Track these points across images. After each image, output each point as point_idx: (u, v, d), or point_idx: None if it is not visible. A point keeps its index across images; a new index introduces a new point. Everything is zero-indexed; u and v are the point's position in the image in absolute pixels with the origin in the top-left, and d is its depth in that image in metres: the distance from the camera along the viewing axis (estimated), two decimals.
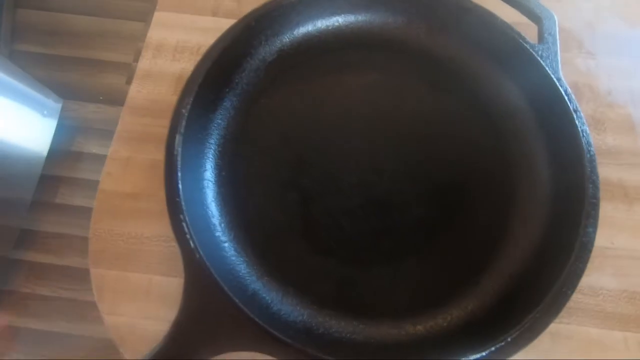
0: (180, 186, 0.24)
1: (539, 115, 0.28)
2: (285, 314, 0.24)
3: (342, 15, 0.31)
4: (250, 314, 0.21)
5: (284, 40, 0.31)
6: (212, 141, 0.28)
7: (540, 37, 0.29)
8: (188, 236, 0.22)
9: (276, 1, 0.29)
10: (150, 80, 0.32)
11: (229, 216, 0.27)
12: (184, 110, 0.25)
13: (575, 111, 0.26)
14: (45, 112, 0.87)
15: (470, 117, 0.30)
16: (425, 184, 0.28)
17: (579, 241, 0.22)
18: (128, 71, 1.02)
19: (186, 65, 0.32)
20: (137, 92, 0.31)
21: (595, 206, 0.24)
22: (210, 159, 0.28)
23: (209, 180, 0.27)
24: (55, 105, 0.90)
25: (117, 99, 0.98)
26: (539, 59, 0.27)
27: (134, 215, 0.27)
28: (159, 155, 0.29)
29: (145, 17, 1.10)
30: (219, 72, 0.28)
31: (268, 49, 0.31)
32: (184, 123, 0.25)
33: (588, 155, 0.25)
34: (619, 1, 0.36)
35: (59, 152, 0.91)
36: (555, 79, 0.26)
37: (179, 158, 0.24)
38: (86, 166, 0.92)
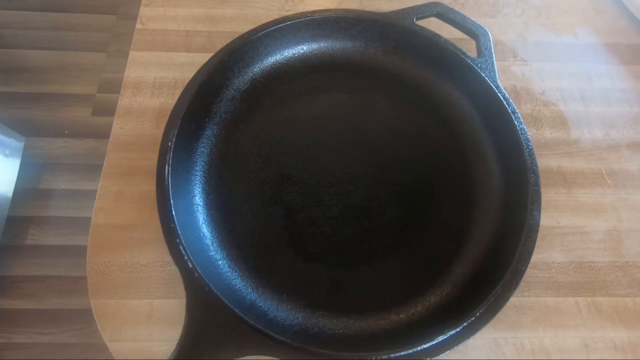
0: (173, 213, 0.25)
1: (485, 118, 0.32)
2: (282, 319, 0.26)
3: (306, 44, 0.35)
4: (250, 322, 0.23)
5: (256, 70, 0.34)
6: (197, 168, 0.30)
7: (479, 52, 0.33)
8: (186, 258, 0.24)
9: (244, 37, 0.32)
10: (131, 117, 0.33)
11: (220, 236, 0.29)
12: (170, 143, 0.27)
13: (513, 112, 0.30)
14: (7, 152, 0.85)
15: (430, 124, 0.34)
16: (396, 187, 0.31)
17: (527, 224, 0.26)
18: (92, 103, 1.01)
19: (165, 100, 0.34)
20: (120, 129, 0.33)
21: (537, 192, 0.28)
22: (198, 185, 0.30)
23: (198, 204, 0.29)
24: (17, 144, 0.88)
25: (83, 132, 0.96)
26: (479, 70, 0.31)
27: (128, 245, 0.29)
28: (148, 186, 0.31)
29: (105, 48, 1.10)
30: (199, 104, 0.30)
31: (242, 79, 0.33)
32: (171, 154, 0.27)
33: (527, 150, 0.29)
34: (544, 13, 0.42)
35: (26, 192, 0.88)
36: (494, 87, 0.31)
37: (169, 188, 0.26)
38: (56, 203, 0.89)
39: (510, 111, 0.30)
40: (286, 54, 0.34)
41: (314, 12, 0.34)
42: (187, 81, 0.35)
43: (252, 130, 0.32)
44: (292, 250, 0.29)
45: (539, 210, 0.27)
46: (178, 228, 0.25)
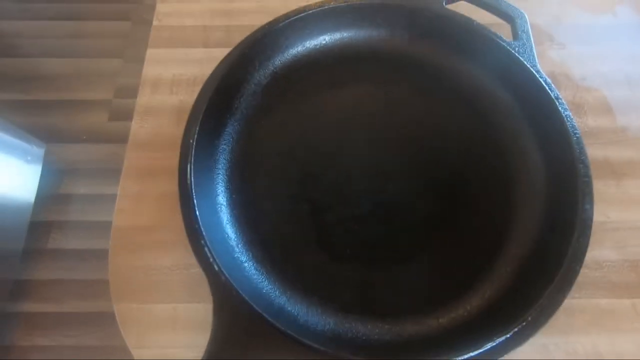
0: (197, 214, 0.24)
1: (524, 107, 0.30)
2: (312, 324, 0.25)
3: (329, 34, 0.33)
4: (281, 327, 0.22)
5: (277, 62, 0.32)
6: (220, 166, 0.29)
7: (515, 35, 0.31)
8: (211, 260, 0.23)
9: (265, 28, 0.31)
10: (150, 115, 0.32)
11: (245, 236, 0.27)
12: (191, 141, 0.26)
13: (557, 99, 0.28)
14: (29, 159, 0.86)
15: (461, 115, 0.32)
16: (428, 183, 0.29)
17: (579, 218, 0.24)
18: (109, 108, 1.02)
19: (184, 97, 0.33)
20: (139, 127, 0.32)
21: (588, 184, 0.25)
22: (221, 184, 0.29)
23: (221, 204, 0.28)
24: (38, 150, 0.90)
25: (100, 137, 0.97)
26: (517, 55, 0.29)
27: (150, 247, 0.28)
28: (168, 186, 0.30)
29: (120, 54, 1.11)
30: (220, 100, 0.29)
31: (262, 73, 0.32)
32: (193, 153, 0.26)
33: (575, 138, 0.27)
34: None
35: (47, 197, 0.90)
36: (535, 72, 0.28)
37: (192, 187, 0.25)
38: (76, 207, 0.90)
39: (554, 97, 0.27)
40: (308, 45, 0.33)
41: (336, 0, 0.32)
42: (206, 77, 0.34)
43: (274, 125, 0.31)
44: (320, 251, 0.27)
45: (591, 203, 0.25)
46: (203, 229, 0.24)
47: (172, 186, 0.30)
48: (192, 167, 0.26)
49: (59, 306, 0.80)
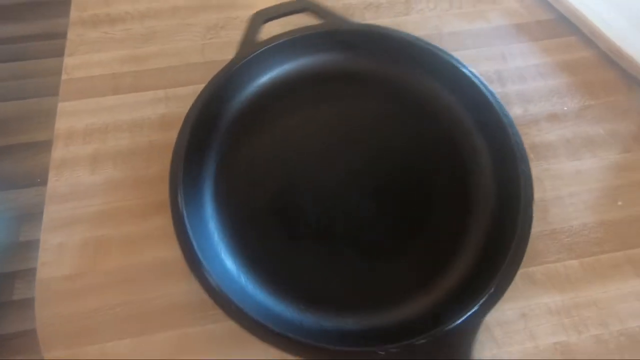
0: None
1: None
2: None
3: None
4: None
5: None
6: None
7: None
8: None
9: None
10: (66, 167, 0.34)
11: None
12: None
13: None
14: None
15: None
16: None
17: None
18: None
19: (98, 145, 0.35)
20: (55, 181, 0.33)
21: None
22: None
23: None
24: None
25: None
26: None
27: (76, 295, 0.29)
28: (90, 233, 0.32)
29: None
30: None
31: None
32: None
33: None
34: (456, 4, 0.43)
35: (7, 247, 0.88)
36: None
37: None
38: (37, 254, 0.89)
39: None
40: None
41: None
42: (118, 123, 0.36)
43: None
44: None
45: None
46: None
47: (93, 232, 0.32)
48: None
49: (30, 357, 0.79)
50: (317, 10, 0.35)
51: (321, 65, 0.36)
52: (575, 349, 0.29)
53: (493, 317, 0.29)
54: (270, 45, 0.34)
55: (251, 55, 0.33)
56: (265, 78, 0.36)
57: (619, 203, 0.34)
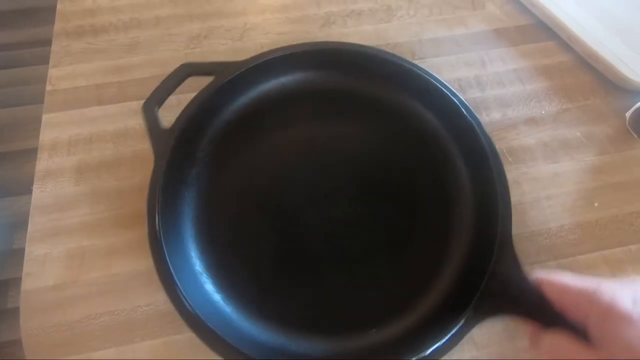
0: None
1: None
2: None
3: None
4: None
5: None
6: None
7: None
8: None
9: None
10: (50, 178, 0.34)
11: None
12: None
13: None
14: None
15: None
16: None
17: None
18: None
19: (82, 156, 0.35)
20: (40, 192, 0.34)
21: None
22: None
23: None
24: None
25: None
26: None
27: (61, 305, 0.30)
28: (74, 244, 0.32)
29: None
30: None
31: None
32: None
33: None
34: (435, 10, 0.44)
35: (1, 254, 0.88)
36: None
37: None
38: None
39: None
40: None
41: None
42: (102, 134, 0.37)
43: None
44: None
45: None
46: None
47: (77, 243, 0.32)
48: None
49: None
50: (206, 70, 0.33)
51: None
52: None
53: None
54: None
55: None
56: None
57: (596, 204, 0.34)
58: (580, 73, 0.40)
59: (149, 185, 0.29)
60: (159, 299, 0.30)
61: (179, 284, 0.26)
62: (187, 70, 0.33)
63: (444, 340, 0.25)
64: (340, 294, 0.30)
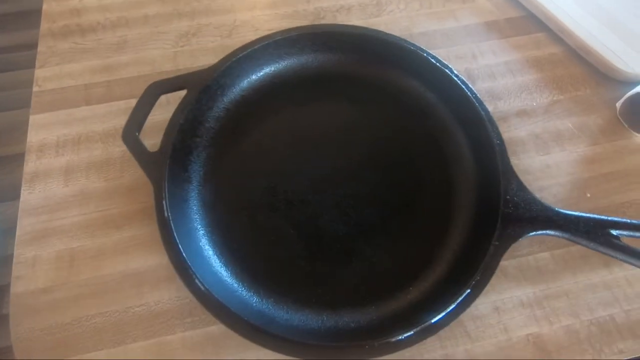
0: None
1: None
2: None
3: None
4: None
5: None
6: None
7: None
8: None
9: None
10: (39, 180, 0.34)
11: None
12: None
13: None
14: None
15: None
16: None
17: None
18: None
19: (71, 157, 0.35)
20: (28, 194, 0.33)
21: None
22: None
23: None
24: None
25: None
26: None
27: (51, 307, 0.29)
28: (63, 245, 0.32)
29: None
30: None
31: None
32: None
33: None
34: (426, 4, 0.44)
35: None
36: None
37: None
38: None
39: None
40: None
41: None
42: (91, 134, 0.36)
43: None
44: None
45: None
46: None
47: (67, 244, 0.32)
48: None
49: None
50: (176, 85, 0.33)
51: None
52: (547, 339, 0.29)
53: (466, 312, 0.30)
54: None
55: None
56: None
57: (588, 195, 0.34)
58: (570, 64, 0.41)
59: (154, 206, 0.29)
60: (151, 299, 0.30)
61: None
62: (157, 91, 0.33)
63: (479, 270, 0.27)
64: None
